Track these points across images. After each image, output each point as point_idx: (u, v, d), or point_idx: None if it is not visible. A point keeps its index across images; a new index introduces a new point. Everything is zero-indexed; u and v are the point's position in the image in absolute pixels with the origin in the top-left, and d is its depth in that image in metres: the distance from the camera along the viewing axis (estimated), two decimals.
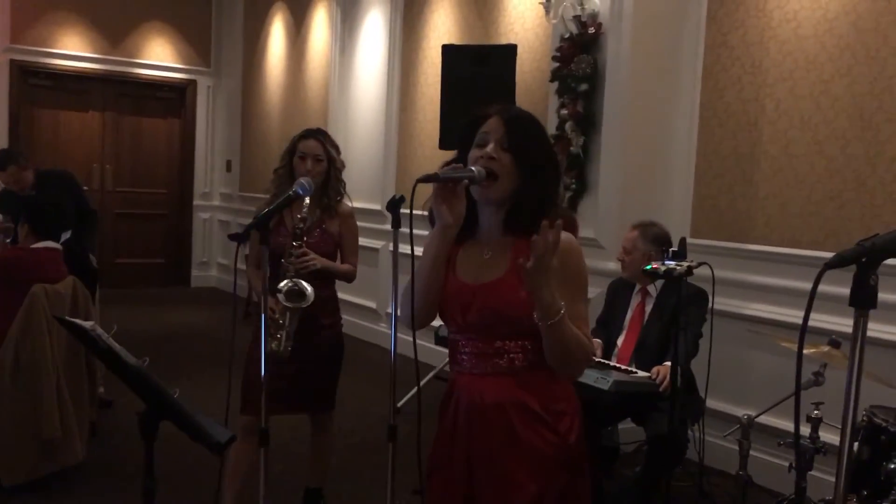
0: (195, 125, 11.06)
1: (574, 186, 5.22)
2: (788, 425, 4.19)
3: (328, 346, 3.55)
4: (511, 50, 5.49)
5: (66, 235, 4.73)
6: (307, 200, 3.29)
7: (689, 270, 3.33)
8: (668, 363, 3.57)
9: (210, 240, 11.20)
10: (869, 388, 1.59)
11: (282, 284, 3.25)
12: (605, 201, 5.13)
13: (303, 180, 3.15)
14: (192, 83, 10.97)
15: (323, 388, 3.57)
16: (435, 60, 6.69)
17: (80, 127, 10.32)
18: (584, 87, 5.14)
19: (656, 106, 5.11)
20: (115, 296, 5.96)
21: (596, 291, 4.67)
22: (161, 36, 10.69)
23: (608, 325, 4.18)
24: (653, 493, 3.74)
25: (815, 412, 3.34)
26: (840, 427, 1.48)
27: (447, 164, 1.99)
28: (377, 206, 7.75)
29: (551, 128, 5.24)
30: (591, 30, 5.12)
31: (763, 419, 3.81)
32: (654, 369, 3.71)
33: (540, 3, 5.52)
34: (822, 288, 1.40)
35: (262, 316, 2.74)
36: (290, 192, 3.04)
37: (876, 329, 3.74)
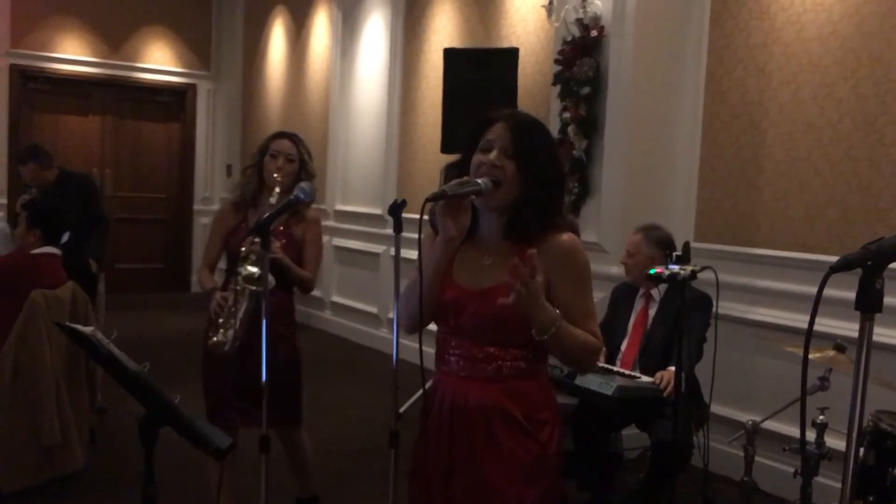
0: (195, 129, 11.04)
1: (576, 190, 5.20)
2: (793, 431, 4.16)
3: (282, 360, 3.28)
4: (513, 53, 5.47)
5: (64, 237, 4.71)
6: (274, 198, 3.23)
7: (693, 274, 3.30)
8: (672, 368, 3.54)
9: None
10: (875, 393, 1.57)
11: (241, 268, 3.13)
12: (608, 205, 5.11)
13: (303, 184, 3.11)
14: (192, 87, 10.95)
15: (282, 403, 3.25)
16: (436, 64, 6.67)
17: (80, 131, 10.30)
18: (586, 90, 5.12)
19: (659, 109, 5.09)
20: (114, 301, 5.94)
21: (599, 296, 4.64)
22: (161, 40, 10.68)
23: (611, 330, 4.15)
24: (657, 499, 3.71)
25: (821, 417, 3.31)
26: (845, 432, 1.47)
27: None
28: (378, 211, 7.74)
29: (553, 131, 5.18)
30: (594, 33, 5.10)
31: (768, 425, 3.78)
32: (658, 374, 3.68)
33: (542, 5, 5.51)
34: (826, 292, 1.39)
35: (263, 321, 2.71)
36: (291, 197, 3.00)
37: (882, 333, 3.72)
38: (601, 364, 3.91)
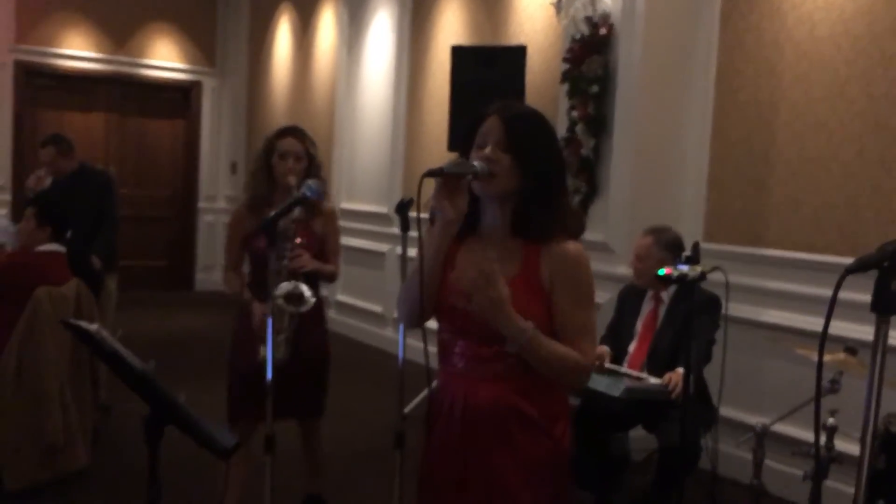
0: (200, 126, 11.02)
1: (584, 189, 5.16)
2: (803, 434, 4.12)
3: (315, 352, 3.47)
4: (521, 51, 5.45)
5: (67, 234, 4.70)
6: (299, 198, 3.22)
7: (703, 275, 3.26)
8: (681, 370, 3.51)
9: (214, 243, 11.10)
10: (886, 397, 1.54)
11: (281, 287, 3.10)
12: (616, 205, 5.07)
13: (310, 182, 3.09)
14: (197, 84, 10.93)
15: (311, 395, 3.49)
16: (443, 62, 6.64)
17: (85, 128, 10.26)
18: (594, 88, 5.08)
19: (668, 108, 5.05)
20: (117, 299, 5.92)
21: (606, 297, 4.62)
22: (166, 36, 10.66)
23: (618, 332, 4.12)
24: (665, 503, 3.67)
25: (830, 420, 3.28)
26: (856, 435, 1.45)
27: (428, 173, 1.95)
28: (384, 210, 7.71)
29: (561, 130, 5.18)
30: (603, 31, 5.07)
31: (777, 427, 3.75)
32: (667, 376, 3.65)
33: (550, 3, 5.49)
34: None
35: (269, 321, 2.69)
36: (299, 195, 2.98)
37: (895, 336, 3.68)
38: (609, 365, 3.89)
